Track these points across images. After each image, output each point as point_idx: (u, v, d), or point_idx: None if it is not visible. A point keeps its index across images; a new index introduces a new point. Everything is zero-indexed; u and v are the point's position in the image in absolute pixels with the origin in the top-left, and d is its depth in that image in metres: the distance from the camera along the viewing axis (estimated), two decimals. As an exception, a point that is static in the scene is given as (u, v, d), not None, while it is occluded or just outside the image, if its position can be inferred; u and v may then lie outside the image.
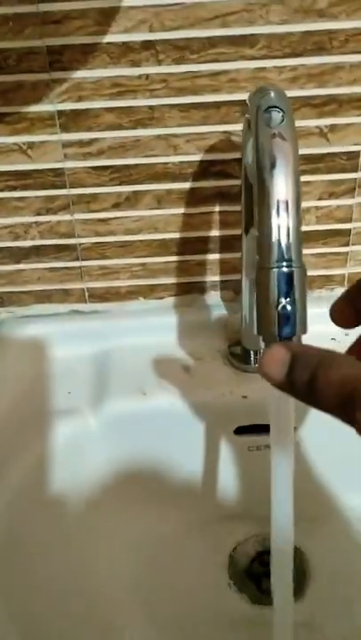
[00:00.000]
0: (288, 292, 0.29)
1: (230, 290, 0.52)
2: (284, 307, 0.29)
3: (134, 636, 0.42)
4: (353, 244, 0.50)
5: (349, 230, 0.49)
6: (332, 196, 0.47)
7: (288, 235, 0.29)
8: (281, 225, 0.29)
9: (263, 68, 0.43)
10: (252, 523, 0.49)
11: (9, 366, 0.50)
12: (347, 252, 0.50)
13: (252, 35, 0.42)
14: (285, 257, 0.29)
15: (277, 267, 0.29)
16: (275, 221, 0.29)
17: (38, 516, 0.43)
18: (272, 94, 0.32)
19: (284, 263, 0.29)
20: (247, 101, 0.34)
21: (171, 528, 0.49)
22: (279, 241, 0.29)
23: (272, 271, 0.29)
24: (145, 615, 0.43)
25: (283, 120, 0.30)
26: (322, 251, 0.50)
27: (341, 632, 0.42)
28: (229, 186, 0.47)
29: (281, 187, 0.29)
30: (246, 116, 0.36)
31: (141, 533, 0.48)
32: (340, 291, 0.52)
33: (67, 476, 0.45)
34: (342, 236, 0.49)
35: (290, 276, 0.29)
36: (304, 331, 0.29)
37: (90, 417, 0.46)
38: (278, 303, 0.29)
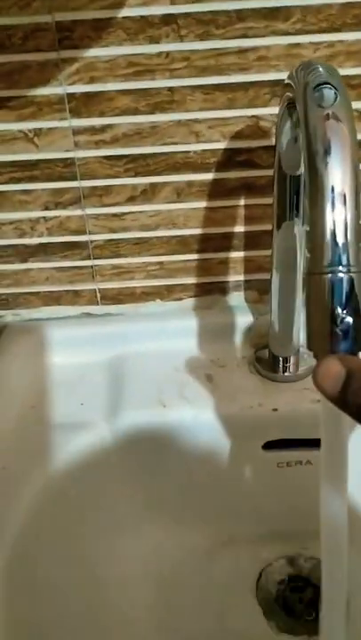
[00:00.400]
0: (346, 303, 0.24)
1: (255, 290, 0.48)
2: (341, 320, 0.25)
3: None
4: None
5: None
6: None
7: (346, 233, 0.25)
8: (337, 221, 0.25)
9: (297, 45, 0.39)
10: (281, 543, 0.45)
11: (14, 375, 0.46)
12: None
13: (285, 7, 0.38)
14: (342, 260, 0.25)
15: (332, 271, 0.25)
16: (329, 217, 0.25)
17: (52, 537, 0.40)
18: (321, 69, 0.27)
19: (341, 267, 0.25)
20: (289, 79, 0.30)
21: (193, 549, 0.45)
22: (335, 240, 0.25)
23: (326, 277, 0.25)
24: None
25: (336, 98, 0.26)
26: None
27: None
28: (256, 177, 0.43)
29: (337, 176, 0.25)
30: (287, 95, 0.31)
31: (162, 555, 0.45)
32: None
33: (81, 494, 0.42)
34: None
35: (349, 283, 0.24)
36: (363, 347, 0.25)
37: (105, 430, 0.42)
38: (334, 316, 0.25)
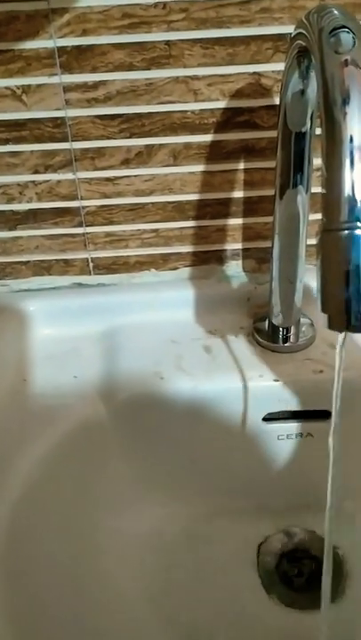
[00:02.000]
0: (363, 260, 0.23)
1: (254, 259, 0.47)
2: (357, 278, 0.23)
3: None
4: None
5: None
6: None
7: (365, 187, 0.23)
8: (356, 174, 0.23)
9: (302, -4, 0.37)
10: (280, 515, 0.45)
11: (5, 347, 0.45)
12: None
13: None
14: (360, 216, 0.23)
15: (350, 227, 0.23)
16: (348, 169, 0.23)
17: (48, 510, 0.38)
18: (337, 12, 0.26)
19: (359, 224, 0.23)
20: (299, 28, 0.28)
21: (191, 522, 0.44)
22: (353, 194, 0.23)
23: (344, 233, 0.23)
24: (159, 613, 0.39)
25: (355, 43, 0.24)
26: None
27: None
28: (257, 138, 0.41)
29: (356, 126, 0.23)
30: (297, 43, 0.29)
31: (161, 527, 0.44)
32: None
33: (76, 467, 0.41)
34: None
35: (366, 240, 0.23)
36: (382, 308, 0.24)
37: (100, 404, 0.41)
38: (352, 274, 0.23)
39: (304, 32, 0.27)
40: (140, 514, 0.43)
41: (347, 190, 0.23)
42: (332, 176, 0.24)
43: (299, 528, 0.45)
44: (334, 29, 0.25)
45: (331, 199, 0.24)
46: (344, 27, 0.25)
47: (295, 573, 0.43)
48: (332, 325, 0.24)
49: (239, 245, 0.46)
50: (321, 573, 0.37)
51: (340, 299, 0.24)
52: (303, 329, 0.44)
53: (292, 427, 0.43)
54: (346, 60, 0.24)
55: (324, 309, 0.24)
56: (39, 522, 0.38)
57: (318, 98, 0.24)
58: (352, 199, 0.23)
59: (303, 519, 0.45)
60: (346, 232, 0.23)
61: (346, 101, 0.24)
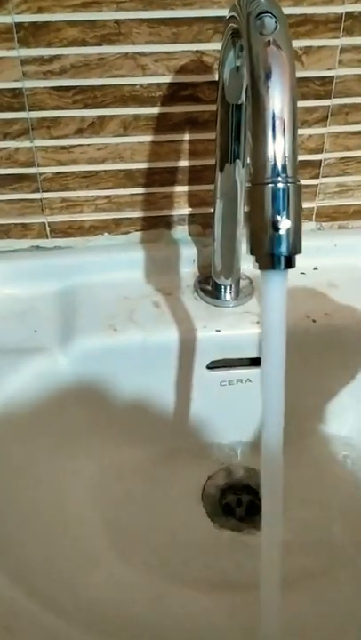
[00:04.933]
0: (283, 209, 0.28)
1: (198, 224, 0.51)
2: (278, 224, 0.28)
3: (112, 565, 0.42)
4: (323, 177, 0.49)
5: (320, 162, 0.48)
6: (304, 124, 0.46)
7: (284, 148, 0.28)
8: (277, 137, 0.28)
9: (238, -18, 0.41)
10: (222, 454, 0.49)
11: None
12: (316, 185, 0.50)
13: None
14: (281, 172, 0.28)
15: (273, 182, 0.28)
16: (270, 134, 0.28)
17: (8, 454, 0.42)
18: (263, 0, 0.30)
19: (280, 178, 0.28)
20: (231, 11, 0.32)
21: (143, 462, 0.48)
22: (275, 155, 0.28)
23: (267, 187, 0.28)
24: (118, 543, 0.43)
25: (277, 27, 0.29)
26: (292, 182, 0.49)
27: (319, 550, 0.43)
28: (200, 111, 0.45)
29: (277, 100, 0.28)
30: (230, 26, 0.33)
31: (115, 467, 0.48)
32: (308, 225, 0.52)
33: (36, 415, 0.44)
34: (313, 168, 0.49)
35: (286, 192, 0.28)
36: (299, 250, 0.28)
37: (59, 354, 0.45)
38: (273, 220, 0.28)
39: (236, 15, 0.31)
40: (95, 455, 0.47)
41: (269, 152, 0.28)
42: (258, 140, 0.28)
43: (240, 466, 0.50)
44: (260, 14, 0.29)
45: (257, 159, 0.28)
46: (268, 12, 0.29)
47: (236, 504, 0.48)
48: (260, 265, 0.29)
49: (185, 211, 0.50)
50: (259, 504, 0.43)
51: (265, 241, 0.28)
52: (242, 286, 0.49)
53: (233, 373, 0.47)
54: (269, 41, 0.28)
55: (252, 252, 0.29)
56: (2, 463, 0.41)
57: (245, 73, 0.29)
58: (274, 159, 0.28)
59: (245, 457, 0.50)
60: (269, 185, 0.28)
61: (268, 76, 0.28)
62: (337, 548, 0.43)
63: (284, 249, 0.28)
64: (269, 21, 0.29)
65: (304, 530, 0.44)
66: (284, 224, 0.28)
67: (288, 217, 0.27)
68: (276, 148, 0.28)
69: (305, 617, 0.38)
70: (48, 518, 0.42)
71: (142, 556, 0.42)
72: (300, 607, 0.38)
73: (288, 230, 0.28)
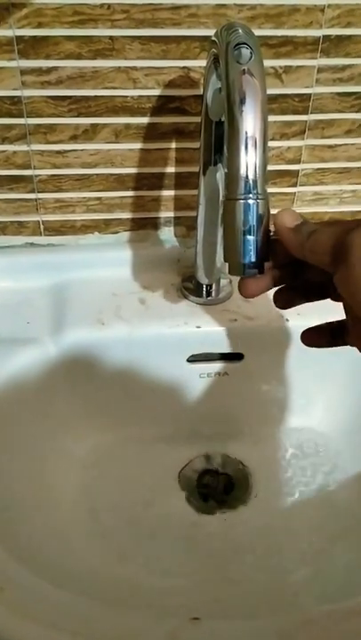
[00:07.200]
0: (253, 222, 0.31)
1: (183, 226, 0.54)
2: (248, 235, 0.31)
3: (90, 542, 0.45)
4: (301, 185, 0.53)
5: (298, 171, 0.52)
6: (283, 137, 0.50)
7: (255, 168, 0.31)
8: (249, 159, 0.31)
9: (224, 5, 0.44)
10: (201, 441, 0.53)
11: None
12: (294, 193, 0.53)
13: (214, -30, 0.43)
14: (252, 189, 0.31)
15: (244, 198, 0.31)
16: (243, 154, 0.31)
17: (5, 436, 0.45)
18: (240, 31, 0.33)
19: (251, 195, 0.31)
20: (214, 37, 0.35)
21: (127, 446, 0.52)
22: (247, 173, 0.31)
23: (238, 202, 0.31)
24: (95, 521, 0.47)
25: (251, 57, 0.32)
26: (271, 190, 0.52)
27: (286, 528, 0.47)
28: (186, 123, 0.49)
29: (250, 122, 0.31)
30: (212, 51, 0.37)
31: (100, 450, 0.51)
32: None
33: (27, 401, 0.47)
34: (291, 177, 0.52)
35: (257, 208, 0.31)
36: (267, 258, 0.32)
37: (50, 345, 0.48)
38: (244, 232, 0.31)
39: (217, 43, 0.34)
40: (82, 439, 0.51)
41: (242, 170, 0.31)
42: (232, 159, 0.31)
43: (217, 452, 0.54)
44: (238, 44, 0.32)
45: (231, 176, 0.32)
46: (245, 43, 0.32)
47: (212, 487, 0.51)
48: (231, 271, 0.32)
49: (171, 214, 0.53)
50: (232, 488, 0.47)
51: (237, 251, 0.32)
52: (222, 286, 0.52)
53: (212, 367, 0.51)
54: (244, 70, 0.32)
55: (225, 259, 0.32)
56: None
57: (222, 98, 0.32)
58: (246, 177, 0.31)
59: (221, 445, 0.54)
60: (241, 201, 0.31)
61: (243, 101, 0.31)
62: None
63: (253, 258, 0.31)
64: (245, 52, 0.32)
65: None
66: (253, 236, 0.31)
67: (258, 229, 0.31)
68: (249, 166, 0.31)
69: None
70: (34, 492, 0.45)
71: (113, 521, 0.46)
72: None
73: (257, 241, 0.31)
